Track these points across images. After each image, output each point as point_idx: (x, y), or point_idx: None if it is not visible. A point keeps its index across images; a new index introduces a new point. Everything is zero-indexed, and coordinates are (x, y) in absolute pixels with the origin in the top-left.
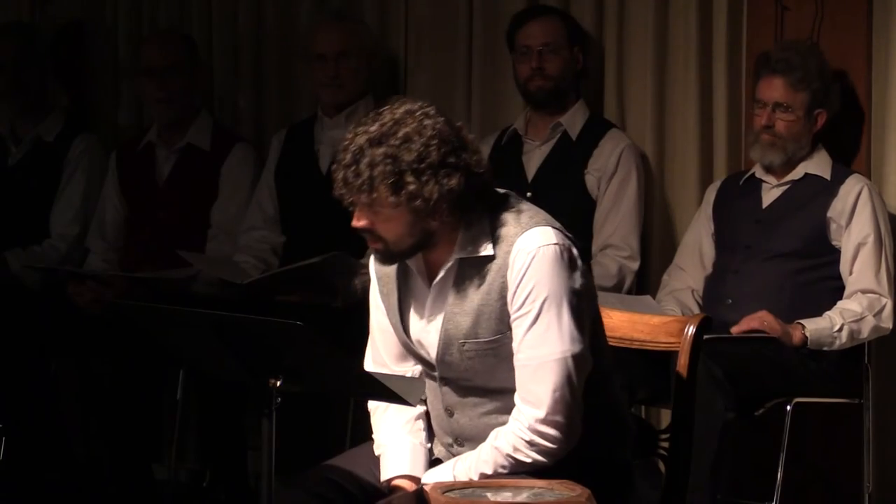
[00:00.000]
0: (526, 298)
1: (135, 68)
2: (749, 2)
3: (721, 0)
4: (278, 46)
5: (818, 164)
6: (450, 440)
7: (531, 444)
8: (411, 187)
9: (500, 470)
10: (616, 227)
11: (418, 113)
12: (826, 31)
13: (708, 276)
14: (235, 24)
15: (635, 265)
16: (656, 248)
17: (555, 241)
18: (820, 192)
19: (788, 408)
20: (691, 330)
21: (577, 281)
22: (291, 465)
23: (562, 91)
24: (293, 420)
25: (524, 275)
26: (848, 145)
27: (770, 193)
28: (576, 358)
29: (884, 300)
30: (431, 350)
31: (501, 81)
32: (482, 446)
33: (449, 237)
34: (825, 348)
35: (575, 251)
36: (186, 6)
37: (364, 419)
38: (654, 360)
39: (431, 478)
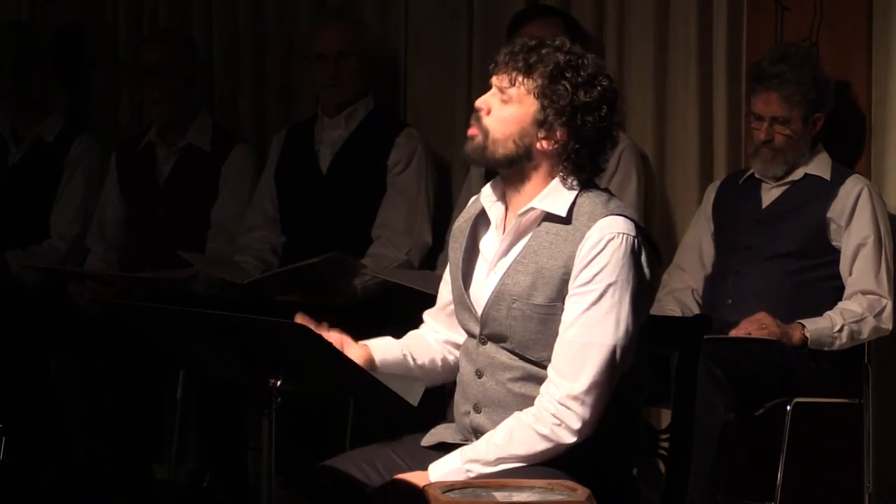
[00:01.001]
0: (594, 277)
1: (135, 68)
2: (749, 2)
3: (721, 1)
4: (278, 46)
5: (818, 165)
6: (468, 408)
7: (556, 417)
8: (562, 88)
9: (515, 443)
10: None
11: (603, 61)
12: (826, 31)
13: (708, 276)
14: (235, 24)
15: None
16: None
17: (635, 235)
18: (820, 193)
19: (788, 408)
20: (691, 330)
21: (645, 281)
22: (291, 465)
23: None
24: (293, 420)
25: (598, 254)
26: (848, 145)
27: (770, 194)
28: (623, 350)
29: (884, 301)
30: (481, 304)
31: None
32: (498, 426)
33: (537, 183)
34: (825, 348)
35: (651, 255)
36: (186, 6)
37: (364, 419)
38: (654, 360)
39: (438, 469)
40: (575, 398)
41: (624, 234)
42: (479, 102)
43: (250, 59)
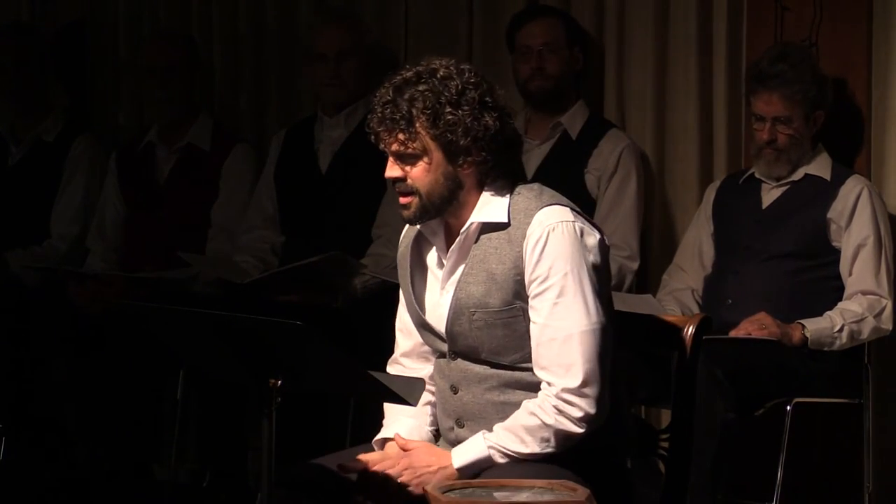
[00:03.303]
0: (549, 271)
1: (135, 68)
2: (749, 2)
3: (721, 1)
4: (278, 46)
5: (818, 165)
6: (451, 423)
7: (556, 409)
8: (450, 117)
9: (530, 442)
10: (616, 226)
11: (453, 61)
12: (826, 31)
13: (708, 277)
14: (235, 24)
15: (635, 265)
16: (656, 248)
17: (572, 220)
18: (820, 193)
19: (788, 408)
20: (691, 330)
21: (595, 259)
22: (291, 465)
23: (562, 91)
24: (293, 420)
25: (543, 249)
26: (848, 145)
27: (770, 194)
28: (602, 331)
29: (884, 301)
30: (442, 322)
31: (501, 81)
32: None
33: (471, 201)
34: (825, 349)
35: (593, 233)
36: (186, 6)
37: (364, 419)
38: (654, 360)
39: (460, 455)
40: (573, 392)
41: (562, 221)
42: (390, 175)
43: (250, 59)
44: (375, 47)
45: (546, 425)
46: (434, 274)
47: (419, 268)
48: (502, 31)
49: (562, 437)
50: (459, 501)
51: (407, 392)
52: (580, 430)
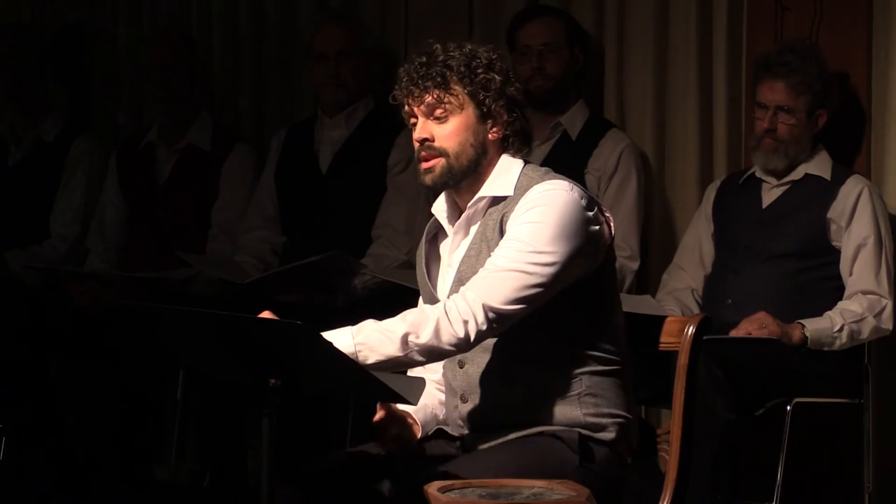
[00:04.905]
0: (529, 211)
1: (135, 68)
2: (749, 2)
3: (721, 1)
4: (278, 46)
5: (818, 165)
6: (456, 401)
7: (459, 310)
8: (481, 76)
9: (406, 324)
10: (616, 226)
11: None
12: (826, 30)
13: (708, 276)
14: (235, 24)
15: (635, 265)
16: (656, 248)
17: (569, 190)
18: (820, 193)
19: (788, 408)
20: (691, 330)
21: (581, 229)
22: (291, 465)
23: (562, 91)
24: (293, 420)
25: (534, 199)
26: (848, 145)
27: (770, 193)
28: (541, 290)
29: (884, 301)
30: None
31: None
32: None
33: (485, 176)
34: (825, 348)
35: (598, 211)
36: (186, 6)
37: (364, 419)
38: (654, 360)
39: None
40: (484, 307)
41: (557, 189)
42: (419, 135)
43: (250, 59)
44: (375, 47)
45: (433, 317)
46: (443, 254)
47: (434, 258)
48: (502, 31)
49: (436, 332)
50: (459, 501)
51: (407, 391)
52: (456, 342)
